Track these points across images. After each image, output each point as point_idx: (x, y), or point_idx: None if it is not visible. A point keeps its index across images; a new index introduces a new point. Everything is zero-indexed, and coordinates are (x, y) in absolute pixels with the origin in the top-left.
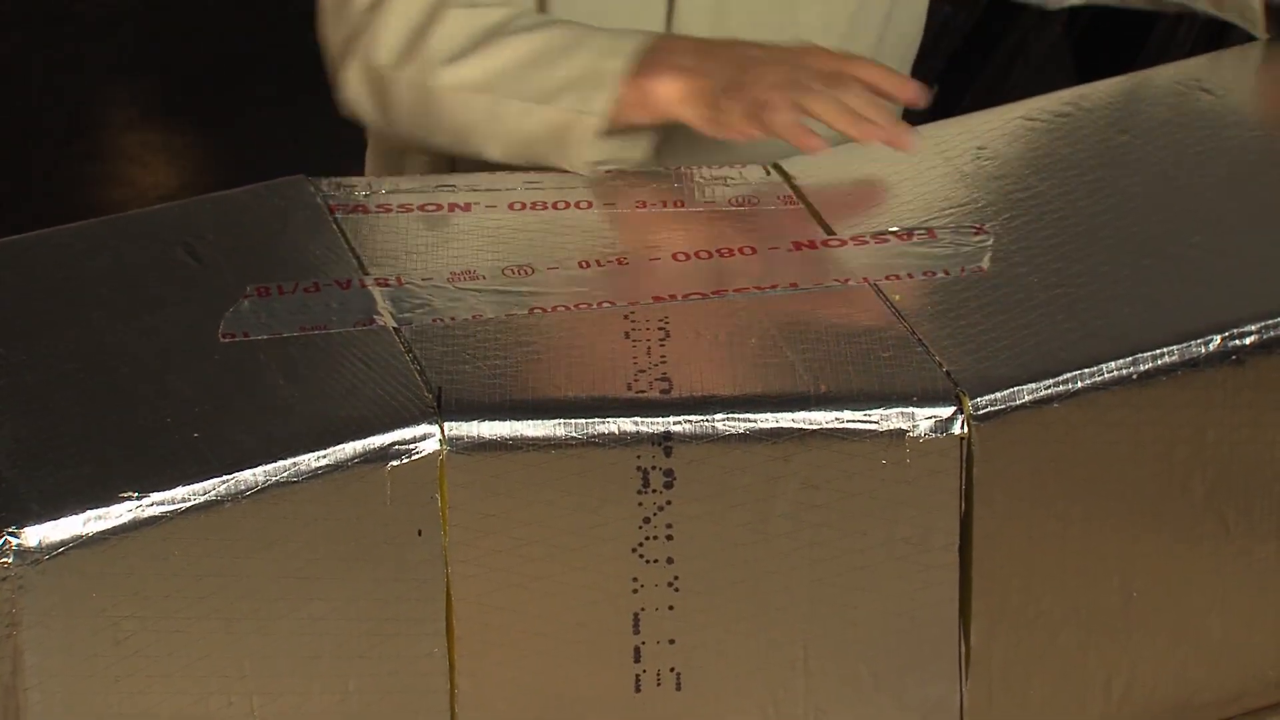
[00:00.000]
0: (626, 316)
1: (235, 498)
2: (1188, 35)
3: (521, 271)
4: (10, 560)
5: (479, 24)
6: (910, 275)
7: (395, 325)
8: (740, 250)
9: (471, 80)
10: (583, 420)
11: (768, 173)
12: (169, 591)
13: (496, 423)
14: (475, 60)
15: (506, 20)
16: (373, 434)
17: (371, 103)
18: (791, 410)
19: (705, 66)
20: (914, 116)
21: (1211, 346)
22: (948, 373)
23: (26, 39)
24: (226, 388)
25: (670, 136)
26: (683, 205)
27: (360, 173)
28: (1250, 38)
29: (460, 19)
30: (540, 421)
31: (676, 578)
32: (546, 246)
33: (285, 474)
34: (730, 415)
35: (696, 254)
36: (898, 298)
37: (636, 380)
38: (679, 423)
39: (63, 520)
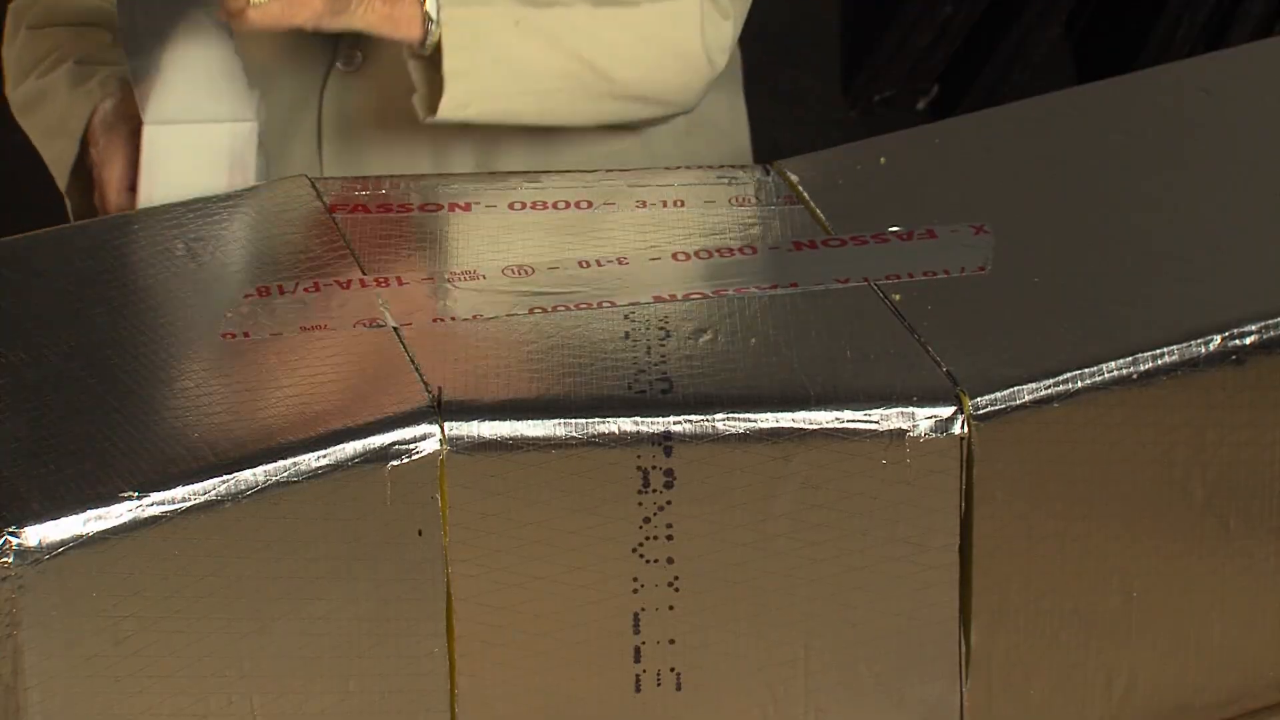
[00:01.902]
0: (626, 316)
1: (235, 498)
2: (1188, 35)
3: (521, 271)
4: (10, 560)
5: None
6: (910, 275)
7: (395, 325)
8: (740, 250)
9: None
10: (583, 420)
11: (767, 173)
12: (169, 591)
13: (496, 423)
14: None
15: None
16: (373, 434)
17: None
18: (791, 410)
19: None
20: (915, 117)
21: (1211, 346)
22: (948, 373)
23: None
24: (226, 387)
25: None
26: (683, 205)
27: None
28: (1252, 37)
29: (25, 40)
30: (540, 421)
31: (676, 578)
32: (546, 246)
33: (285, 474)
34: (730, 415)
35: (696, 254)
36: (898, 298)
37: (636, 380)
38: (679, 423)
39: (63, 520)
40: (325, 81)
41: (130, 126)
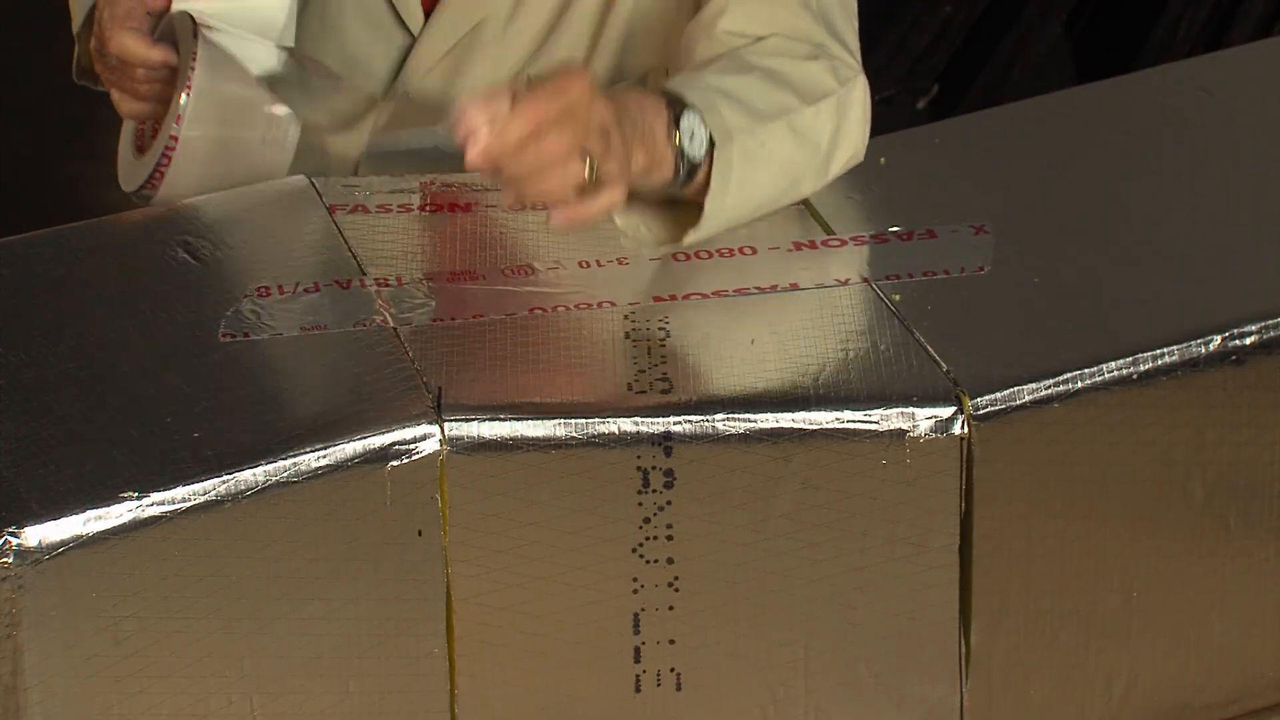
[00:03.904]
0: (626, 316)
1: (235, 498)
2: (1188, 35)
3: (521, 271)
4: (10, 560)
5: None
6: (910, 275)
7: (395, 325)
8: (740, 250)
9: None
10: (583, 420)
11: None
12: (169, 591)
13: (496, 423)
14: None
15: None
16: (373, 434)
17: None
18: (791, 410)
19: None
20: (916, 117)
21: (1211, 346)
22: (948, 372)
23: (26, 39)
24: (226, 387)
25: None
26: None
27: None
28: (1252, 37)
29: None
30: (540, 421)
31: (676, 578)
32: (546, 246)
33: (285, 474)
34: (730, 415)
35: (696, 254)
36: (898, 298)
37: (636, 380)
38: (679, 423)
39: (63, 520)
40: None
41: None
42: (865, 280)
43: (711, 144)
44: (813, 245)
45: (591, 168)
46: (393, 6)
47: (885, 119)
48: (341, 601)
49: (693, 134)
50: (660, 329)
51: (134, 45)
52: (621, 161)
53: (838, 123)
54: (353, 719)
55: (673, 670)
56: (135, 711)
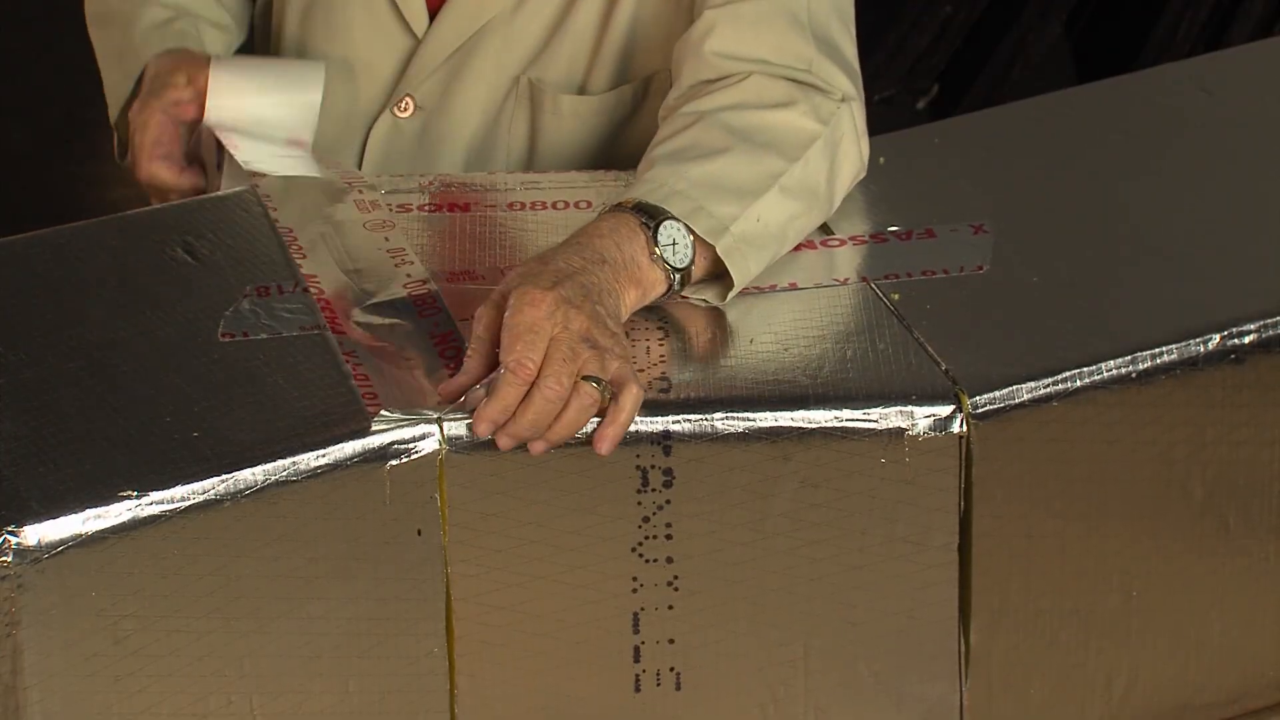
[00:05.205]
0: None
1: (235, 497)
2: (1188, 35)
3: None
4: (10, 560)
5: None
6: (910, 275)
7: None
8: None
9: None
10: None
11: None
12: (169, 591)
13: None
14: None
15: None
16: (373, 434)
17: None
18: (791, 409)
19: None
20: (916, 117)
21: (1211, 346)
22: (947, 372)
23: (26, 39)
24: (226, 387)
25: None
26: None
27: None
28: (1252, 37)
29: None
30: None
31: (676, 577)
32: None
33: (285, 474)
34: (729, 414)
35: None
36: (897, 297)
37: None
38: (678, 422)
39: (63, 520)
40: (373, 123)
41: (169, 98)
42: (864, 280)
43: (705, 243)
44: (812, 245)
45: (600, 383)
46: (397, 9)
47: (885, 119)
48: (341, 601)
49: (674, 244)
50: (660, 329)
51: (164, 175)
52: (620, 356)
53: (831, 159)
54: (353, 719)
55: (672, 670)
56: (135, 711)
